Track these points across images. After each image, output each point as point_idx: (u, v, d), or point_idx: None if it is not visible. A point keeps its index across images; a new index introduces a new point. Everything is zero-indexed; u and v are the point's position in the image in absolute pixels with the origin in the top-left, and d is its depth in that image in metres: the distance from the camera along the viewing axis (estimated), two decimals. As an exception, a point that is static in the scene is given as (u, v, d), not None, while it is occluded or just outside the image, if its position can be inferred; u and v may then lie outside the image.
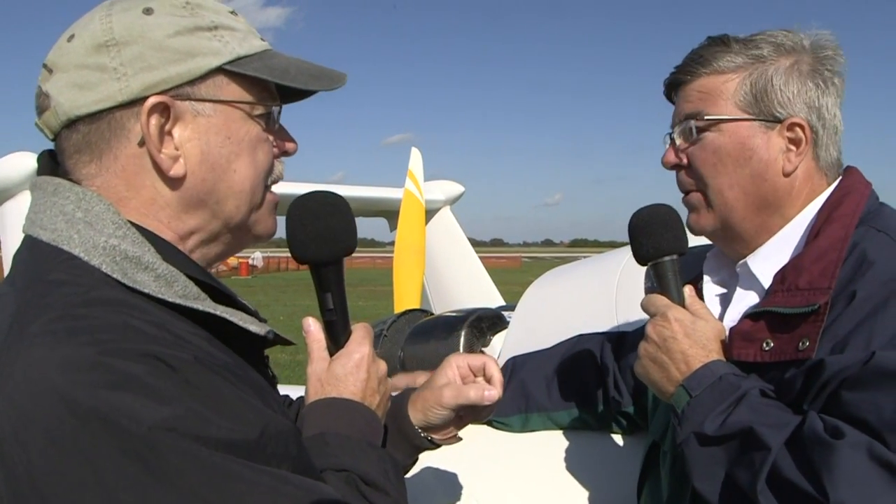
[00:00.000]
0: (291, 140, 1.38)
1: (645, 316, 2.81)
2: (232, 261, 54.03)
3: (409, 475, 2.01)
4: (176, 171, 1.21)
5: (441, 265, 6.83)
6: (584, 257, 4.02)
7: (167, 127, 1.20)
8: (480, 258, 7.15)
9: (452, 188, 7.10)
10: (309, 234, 1.34)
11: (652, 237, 1.66)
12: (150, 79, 1.18)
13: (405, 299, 5.64)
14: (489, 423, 2.24)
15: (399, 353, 4.05)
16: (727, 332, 1.65)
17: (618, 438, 2.24)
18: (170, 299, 1.13)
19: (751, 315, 1.60)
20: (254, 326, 1.22)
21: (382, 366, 1.43)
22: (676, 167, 1.78)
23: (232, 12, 1.29)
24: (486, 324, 3.95)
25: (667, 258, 1.67)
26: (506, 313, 4.07)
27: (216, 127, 1.23)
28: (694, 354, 1.58)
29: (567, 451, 2.18)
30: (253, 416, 1.04)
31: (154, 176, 1.21)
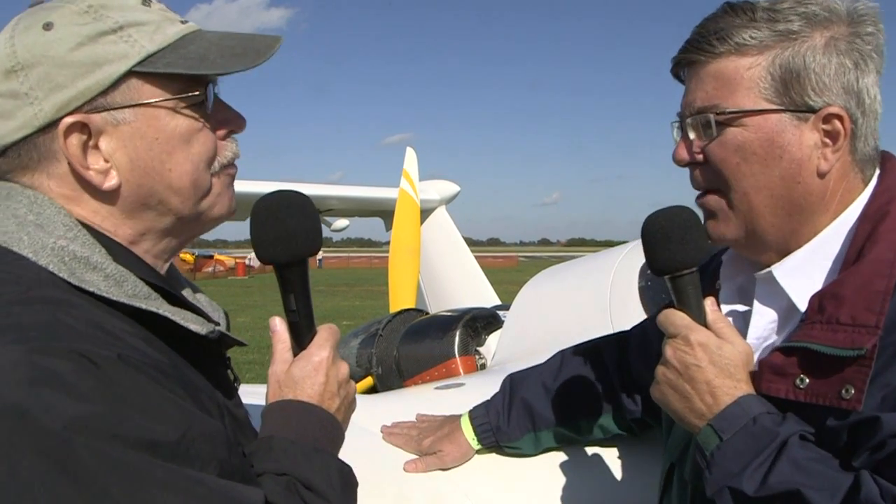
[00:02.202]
0: (236, 116, 1.34)
1: (639, 313, 2.83)
2: (229, 261, 53.93)
3: (424, 486, 2.02)
4: (109, 183, 1.20)
5: (436, 264, 6.84)
6: (580, 257, 4.03)
7: (92, 142, 1.19)
8: (477, 258, 7.15)
9: (448, 188, 7.12)
10: (270, 235, 1.31)
11: (670, 248, 1.43)
12: (62, 98, 1.16)
13: (400, 299, 5.64)
14: (500, 451, 2.14)
15: (394, 353, 4.07)
16: (755, 357, 1.46)
17: (629, 449, 2.20)
18: (115, 298, 1.14)
19: (782, 348, 1.39)
20: (194, 325, 1.20)
21: (344, 369, 1.40)
22: (690, 164, 1.53)
23: (144, 1, 1.25)
24: (480, 323, 3.96)
25: (686, 271, 1.44)
26: (501, 313, 4.09)
27: (140, 131, 1.21)
28: (720, 385, 1.38)
29: (577, 464, 2.15)
30: (177, 415, 1.03)
31: (91, 190, 1.21)
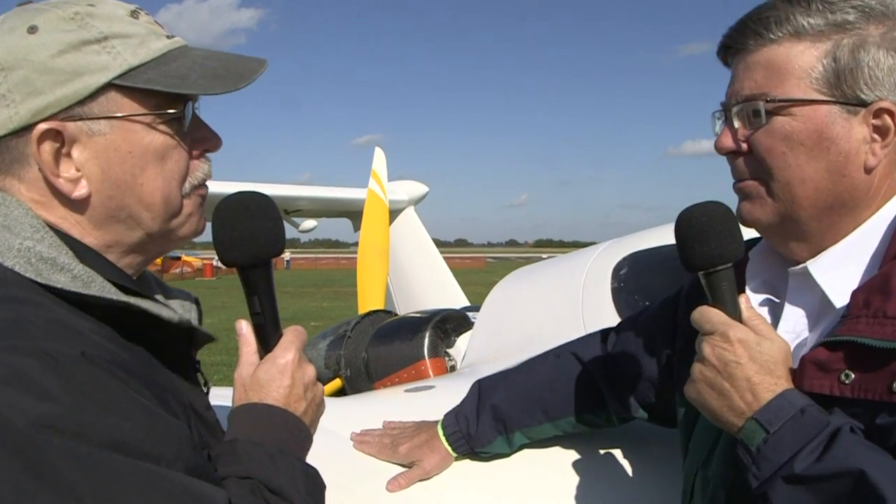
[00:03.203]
0: (212, 136, 1.34)
1: (612, 314, 2.83)
2: (196, 262, 53.66)
3: (395, 497, 1.99)
4: (78, 192, 1.20)
5: (405, 266, 6.84)
6: (549, 258, 4.02)
7: (64, 150, 1.19)
8: (445, 258, 7.16)
9: (416, 188, 7.12)
10: (231, 238, 1.31)
11: (707, 244, 1.42)
12: (38, 104, 1.16)
13: (369, 300, 5.62)
14: (476, 458, 2.12)
15: (363, 355, 4.04)
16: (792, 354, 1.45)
17: (606, 451, 2.18)
18: (83, 291, 1.15)
19: (826, 343, 1.37)
20: (166, 312, 1.23)
21: (310, 371, 1.40)
22: (731, 153, 1.51)
23: (133, 13, 1.25)
24: (450, 325, 3.95)
25: (721, 267, 1.43)
26: (470, 314, 4.08)
27: (115, 144, 1.21)
28: (760, 382, 1.36)
29: (552, 466, 2.12)
30: (140, 414, 1.03)
31: (61, 197, 1.21)
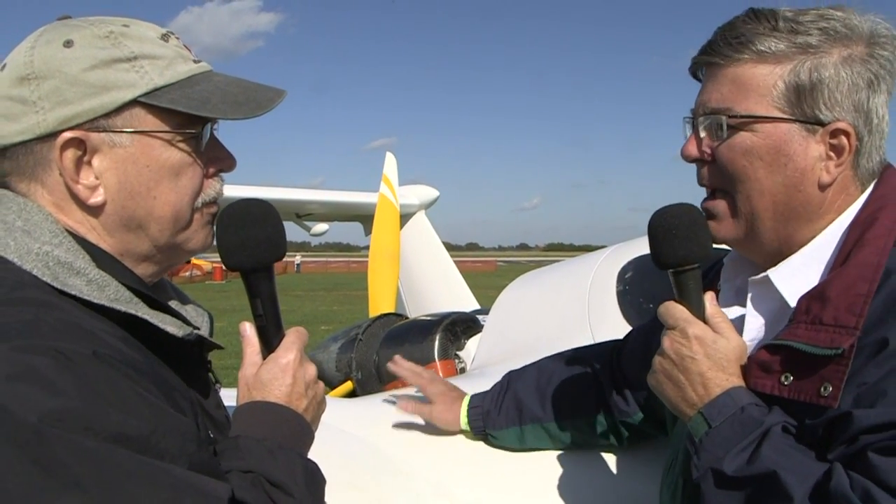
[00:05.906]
0: (227, 157, 1.40)
1: (617, 317, 2.86)
2: (206, 265, 53.69)
3: (404, 488, 2.05)
4: (94, 199, 1.26)
5: (416, 269, 6.85)
6: (559, 262, 4.04)
7: (86, 158, 1.25)
8: (456, 262, 7.16)
9: (427, 192, 7.13)
10: (234, 243, 1.36)
11: (676, 244, 1.48)
12: (66, 113, 1.22)
13: (380, 303, 5.65)
14: (484, 438, 2.22)
15: (374, 358, 4.07)
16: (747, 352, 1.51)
17: (615, 455, 2.22)
18: (96, 301, 1.19)
19: (768, 346, 1.44)
20: (171, 327, 1.27)
21: (311, 370, 1.44)
22: (697, 161, 1.58)
23: (164, 36, 1.32)
24: (460, 327, 3.97)
25: (689, 267, 1.50)
26: (480, 317, 4.10)
27: (134, 156, 1.27)
28: (713, 377, 1.44)
29: (561, 468, 2.17)
30: (147, 411, 1.07)
31: (78, 202, 1.27)
